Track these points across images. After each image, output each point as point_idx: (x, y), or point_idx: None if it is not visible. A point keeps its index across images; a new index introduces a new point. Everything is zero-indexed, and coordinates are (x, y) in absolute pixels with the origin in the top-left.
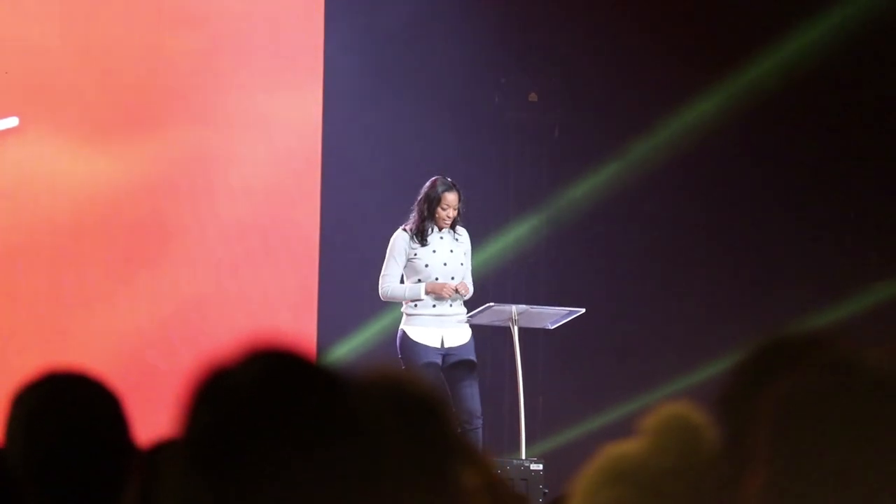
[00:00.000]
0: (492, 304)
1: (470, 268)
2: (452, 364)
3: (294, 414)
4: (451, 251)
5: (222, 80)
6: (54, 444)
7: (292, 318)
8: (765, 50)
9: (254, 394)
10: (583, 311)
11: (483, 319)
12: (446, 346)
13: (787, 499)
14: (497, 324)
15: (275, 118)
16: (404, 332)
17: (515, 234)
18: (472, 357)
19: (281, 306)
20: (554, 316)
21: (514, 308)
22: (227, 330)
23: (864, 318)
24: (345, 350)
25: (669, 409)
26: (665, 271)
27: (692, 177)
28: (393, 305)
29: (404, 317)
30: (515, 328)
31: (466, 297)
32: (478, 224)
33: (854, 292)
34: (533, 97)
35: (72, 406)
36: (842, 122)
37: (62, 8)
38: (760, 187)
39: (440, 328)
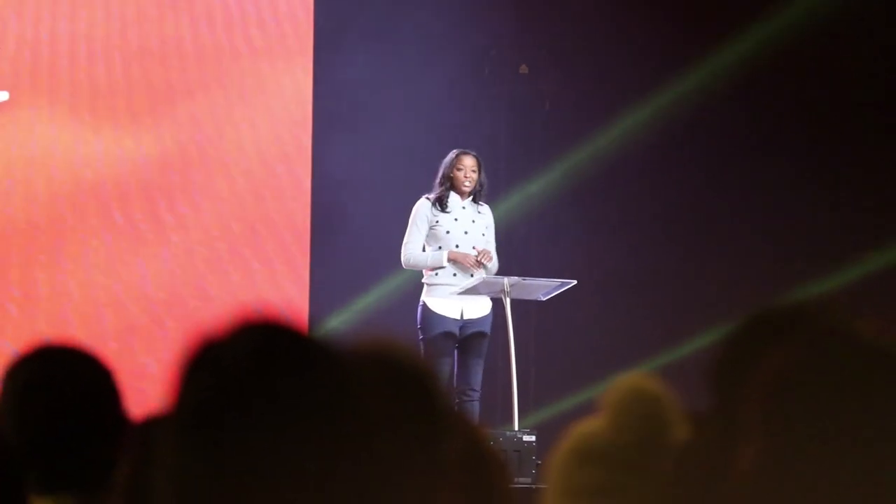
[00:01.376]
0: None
1: (494, 244)
2: (467, 336)
3: (284, 385)
4: (473, 221)
5: (216, 54)
6: (47, 418)
7: (284, 291)
8: (756, 22)
9: (244, 365)
10: (574, 282)
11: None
12: (465, 317)
13: (780, 470)
14: (489, 296)
15: (268, 88)
16: (424, 304)
17: (507, 206)
18: (487, 330)
19: (273, 279)
20: (546, 287)
21: (505, 280)
22: (218, 304)
23: (854, 289)
24: (336, 322)
25: (625, 382)
26: (657, 243)
27: (684, 149)
28: (385, 280)
29: (425, 287)
30: (507, 300)
31: (490, 266)
32: None
33: (844, 263)
34: (524, 69)
35: (64, 380)
36: (831, 94)
37: None
38: (752, 159)
39: (460, 299)
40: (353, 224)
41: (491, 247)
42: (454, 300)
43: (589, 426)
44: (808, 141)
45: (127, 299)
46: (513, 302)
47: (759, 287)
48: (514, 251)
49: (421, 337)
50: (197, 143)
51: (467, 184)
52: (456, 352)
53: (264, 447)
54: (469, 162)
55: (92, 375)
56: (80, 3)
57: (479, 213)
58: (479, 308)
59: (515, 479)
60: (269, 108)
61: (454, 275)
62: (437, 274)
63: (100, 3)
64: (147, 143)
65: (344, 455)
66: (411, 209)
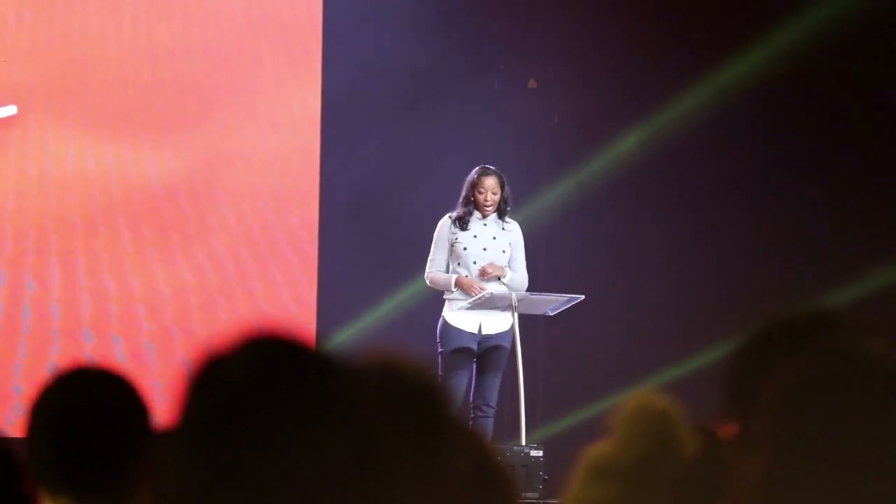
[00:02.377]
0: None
1: (522, 260)
2: (485, 350)
3: (289, 400)
4: (494, 238)
5: (223, 68)
6: (77, 440)
7: (291, 306)
8: (765, 36)
9: (249, 380)
10: (582, 297)
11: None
12: (483, 332)
13: (788, 483)
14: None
15: (276, 102)
16: (444, 318)
17: (515, 221)
18: (507, 345)
19: (281, 294)
20: (554, 302)
21: (513, 295)
22: (227, 318)
23: (866, 303)
24: (344, 337)
25: (633, 399)
26: (665, 256)
27: (692, 161)
28: (393, 295)
29: (445, 302)
30: (515, 315)
31: (505, 280)
32: None
33: (857, 276)
34: (532, 84)
35: (96, 402)
36: (844, 102)
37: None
38: (762, 170)
39: (478, 314)
40: (361, 237)
41: (518, 263)
42: (473, 315)
43: (600, 447)
44: (821, 152)
45: (135, 313)
46: (521, 316)
47: (770, 301)
48: None
49: (440, 350)
50: (205, 158)
51: (489, 206)
52: (474, 366)
53: (269, 462)
54: (490, 183)
55: (124, 398)
56: (91, 13)
57: (502, 229)
58: (498, 323)
59: (522, 494)
60: (277, 122)
61: None
62: (455, 290)
63: (113, 13)
64: (155, 158)
65: (348, 469)
66: (418, 222)
